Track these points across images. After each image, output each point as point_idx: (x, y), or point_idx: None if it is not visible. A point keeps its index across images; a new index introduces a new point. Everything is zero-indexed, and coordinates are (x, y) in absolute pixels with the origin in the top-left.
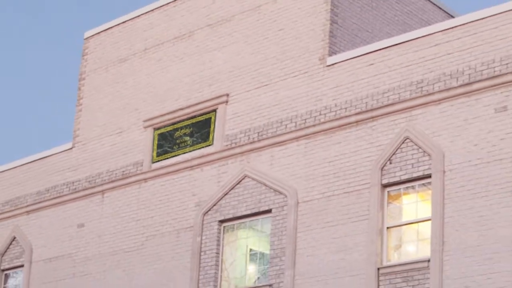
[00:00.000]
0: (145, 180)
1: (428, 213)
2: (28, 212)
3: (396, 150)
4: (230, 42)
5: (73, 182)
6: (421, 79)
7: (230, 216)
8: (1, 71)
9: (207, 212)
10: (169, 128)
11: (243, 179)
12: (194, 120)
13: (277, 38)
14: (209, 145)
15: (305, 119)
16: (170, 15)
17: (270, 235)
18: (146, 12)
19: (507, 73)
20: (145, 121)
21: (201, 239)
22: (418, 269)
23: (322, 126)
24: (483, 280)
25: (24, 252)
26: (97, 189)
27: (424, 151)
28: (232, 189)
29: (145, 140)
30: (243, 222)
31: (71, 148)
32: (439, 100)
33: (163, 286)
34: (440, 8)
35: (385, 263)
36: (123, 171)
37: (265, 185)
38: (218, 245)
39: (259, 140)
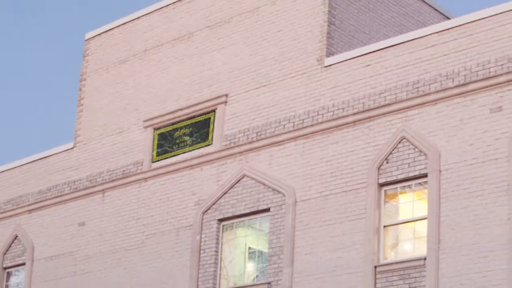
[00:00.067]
0: (145, 179)
1: (424, 212)
2: (29, 211)
3: (393, 150)
4: (229, 43)
5: (74, 181)
6: (417, 79)
7: (229, 214)
8: (5, 72)
9: (206, 211)
10: (169, 128)
11: (242, 178)
12: (193, 120)
13: (276, 39)
14: (209, 145)
15: (303, 119)
16: (169, 16)
17: (269, 234)
18: (146, 14)
19: (502, 73)
20: (145, 121)
21: (201, 238)
22: (415, 267)
23: (320, 126)
24: (478, 278)
25: (26, 250)
26: (97, 188)
27: (420, 151)
28: (231, 188)
29: (145, 140)
30: (242, 221)
31: (72, 148)
32: (435, 100)
33: (163, 284)
34: (436, 10)
35: (382, 261)
36: (124, 171)
37: (264, 184)
38: (217, 243)
39: (257, 140)
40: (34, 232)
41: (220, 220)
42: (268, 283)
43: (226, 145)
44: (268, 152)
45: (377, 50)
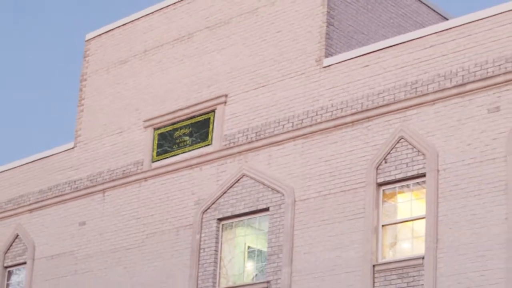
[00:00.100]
0: (145, 179)
1: (422, 211)
2: (30, 211)
3: (391, 150)
4: (228, 44)
5: (74, 181)
6: (415, 80)
7: (229, 214)
8: (7, 72)
9: (206, 210)
10: (168, 128)
11: (241, 178)
12: (193, 120)
13: (275, 40)
14: (208, 144)
15: (302, 119)
16: (169, 17)
17: (268, 233)
18: (146, 15)
19: (500, 74)
20: (145, 121)
21: (200, 237)
22: (413, 266)
23: (319, 126)
24: (476, 277)
25: (27, 249)
26: (98, 187)
27: (419, 151)
28: (230, 187)
29: (145, 140)
30: (241, 220)
31: (72, 148)
32: (433, 100)
33: (163, 283)
34: (434, 11)
35: (380, 260)
36: (124, 170)
37: (263, 184)
38: (217, 242)
39: (257, 140)
40: (35, 231)
41: (220, 220)
42: (267, 282)
43: (225, 145)
44: (267, 152)
45: (375, 51)
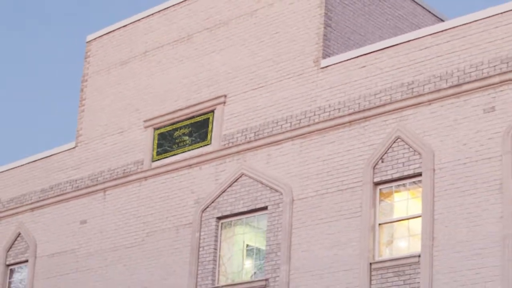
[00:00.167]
0: (146, 178)
1: (418, 210)
2: (32, 209)
3: (388, 149)
4: (227, 45)
5: (76, 180)
6: (411, 80)
7: (228, 213)
8: (9, 72)
9: (205, 209)
10: (168, 128)
11: (240, 177)
12: (192, 120)
13: (273, 41)
14: (207, 144)
15: (300, 120)
16: (169, 19)
17: (266, 231)
18: (147, 16)
19: (495, 75)
20: (145, 121)
21: (200, 235)
22: (409, 264)
23: (316, 126)
24: (471, 274)
25: (29, 247)
26: (99, 187)
27: (415, 150)
28: (229, 187)
29: (146, 140)
30: (240, 219)
31: (74, 147)
32: (429, 101)
33: (163, 281)
34: (430, 12)
35: (377, 258)
36: (124, 170)
37: (262, 183)
38: (216, 241)
39: (255, 140)
40: (36, 230)
41: (219, 218)
42: (266, 279)
43: (224, 144)
44: (265, 152)
45: (372, 52)
